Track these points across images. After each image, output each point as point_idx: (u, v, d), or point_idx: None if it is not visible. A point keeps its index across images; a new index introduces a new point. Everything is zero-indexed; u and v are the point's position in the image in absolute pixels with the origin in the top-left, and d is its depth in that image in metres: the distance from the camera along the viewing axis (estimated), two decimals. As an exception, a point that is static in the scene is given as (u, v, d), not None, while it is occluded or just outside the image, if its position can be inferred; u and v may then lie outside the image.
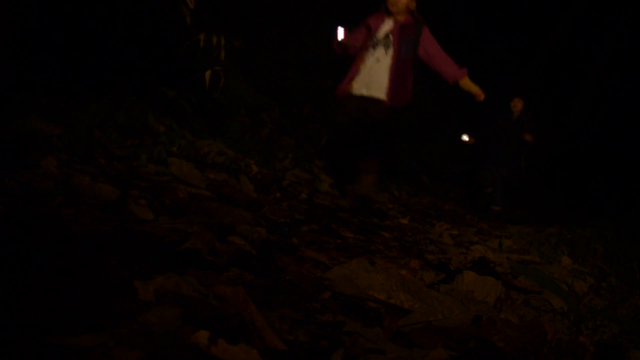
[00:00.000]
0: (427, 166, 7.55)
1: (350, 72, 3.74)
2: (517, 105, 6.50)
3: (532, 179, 10.15)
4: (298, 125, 5.67)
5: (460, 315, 1.33)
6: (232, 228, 1.88)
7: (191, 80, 3.48)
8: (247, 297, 1.03)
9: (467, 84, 3.75)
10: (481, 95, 3.79)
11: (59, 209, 1.48)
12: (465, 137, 6.62)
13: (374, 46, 3.66)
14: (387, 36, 3.64)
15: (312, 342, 1.04)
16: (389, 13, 3.67)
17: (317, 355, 0.99)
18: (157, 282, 1.05)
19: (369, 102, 3.68)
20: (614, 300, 1.99)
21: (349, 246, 2.23)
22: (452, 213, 5.71)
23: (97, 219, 1.51)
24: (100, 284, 1.05)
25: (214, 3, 4.88)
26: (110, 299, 0.97)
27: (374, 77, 3.66)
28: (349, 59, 3.81)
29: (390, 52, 3.63)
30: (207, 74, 3.34)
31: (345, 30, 3.67)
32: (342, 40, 3.66)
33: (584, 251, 3.07)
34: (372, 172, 3.84)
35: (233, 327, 0.97)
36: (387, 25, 3.68)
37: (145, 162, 2.64)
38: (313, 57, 6.97)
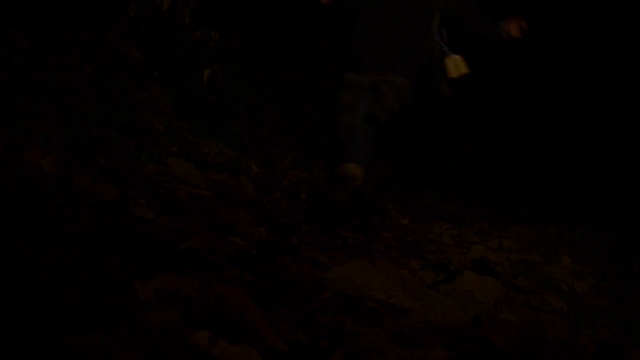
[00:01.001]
0: (428, 166, 7.55)
1: None
2: None
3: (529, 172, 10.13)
4: (298, 125, 5.67)
5: (460, 315, 1.32)
6: (232, 228, 1.88)
7: (191, 79, 3.48)
8: (247, 297, 1.03)
9: None
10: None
11: (59, 209, 1.48)
12: None
13: None
14: None
15: (312, 342, 1.04)
16: None
17: (317, 355, 0.99)
18: (157, 282, 1.05)
19: None
20: (614, 300, 1.99)
21: (349, 246, 2.23)
22: (452, 213, 5.70)
23: (97, 219, 1.51)
24: (100, 284, 1.05)
25: (214, 3, 4.89)
26: (110, 299, 0.97)
27: None
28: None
29: None
30: (206, 72, 3.34)
31: None
32: None
33: (584, 251, 3.07)
34: None
35: (233, 327, 0.97)
36: None
37: (145, 162, 2.64)
38: (313, 57, 6.98)
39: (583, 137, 12.28)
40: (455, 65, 2.85)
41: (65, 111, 2.52)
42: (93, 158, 2.35)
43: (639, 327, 1.62)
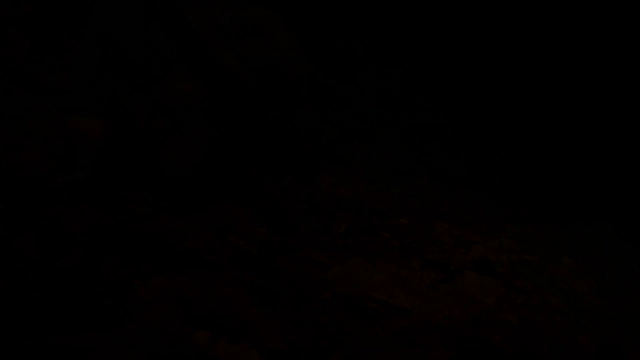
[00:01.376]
0: (427, 166, 7.54)
1: None
2: None
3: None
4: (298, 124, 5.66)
5: (460, 315, 1.32)
6: (232, 228, 1.88)
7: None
8: (247, 297, 1.03)
9: None
10: None
11: (59, 209, 1.48)
12: None
13: None
14: None
15: (312, 342, 1.04)
16: None
17: (317, 355, 0.99)
18: (157, 282, 1.05)
19: None
20: (614, 300, 1.99)
21: (349, 246, 2.23)
22: (452, 213, 5.69)
23: (97, 219, 1.51)
24: (100, 284, 1.05)
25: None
26: (110, 299, 0.97)
27: None
28: None
29: None
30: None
31: None
32: None
33: (584, 251, 3.06)
34: None
35: (233, 327, 0.97)
36: None
37: (145, 162, 2.63)
38: (312, 56, 6.97)
39: (583, 137, 12.27)
40: None
41: (65, 111, 2.52)
42: (93, 158, 2.35)
43: (639, 327, 1.62)
